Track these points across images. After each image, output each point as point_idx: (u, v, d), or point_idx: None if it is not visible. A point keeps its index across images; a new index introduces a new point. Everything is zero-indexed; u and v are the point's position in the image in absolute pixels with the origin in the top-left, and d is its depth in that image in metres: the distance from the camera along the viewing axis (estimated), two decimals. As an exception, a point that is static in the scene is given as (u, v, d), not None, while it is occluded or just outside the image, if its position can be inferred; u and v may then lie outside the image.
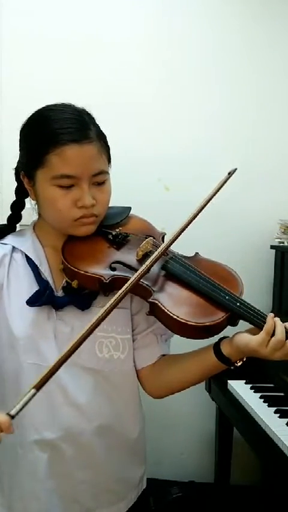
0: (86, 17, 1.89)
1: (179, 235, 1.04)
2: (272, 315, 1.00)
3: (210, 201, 1.07)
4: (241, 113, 2.00)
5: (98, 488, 1.13)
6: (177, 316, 1.00)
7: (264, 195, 2.01)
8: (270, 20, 2.00)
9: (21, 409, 0.79)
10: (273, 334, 0.98)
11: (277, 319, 1.00)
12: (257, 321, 1.01)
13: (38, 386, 0.81)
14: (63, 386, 1.07)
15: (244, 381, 1.69)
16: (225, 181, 1.10)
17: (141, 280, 1.02)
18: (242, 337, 1.02)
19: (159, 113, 1.95)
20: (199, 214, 1.06)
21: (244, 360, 1.06)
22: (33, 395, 0.80)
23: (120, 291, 0.92)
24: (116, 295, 0.92)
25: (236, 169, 1.12)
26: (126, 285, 0.94)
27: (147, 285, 1.04)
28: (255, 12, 1.98)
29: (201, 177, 1.96)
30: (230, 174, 1.13)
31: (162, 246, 1.03)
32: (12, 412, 0.79)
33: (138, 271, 0.97)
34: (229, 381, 1.70)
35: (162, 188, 1.97)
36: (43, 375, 0.83)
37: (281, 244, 1.93)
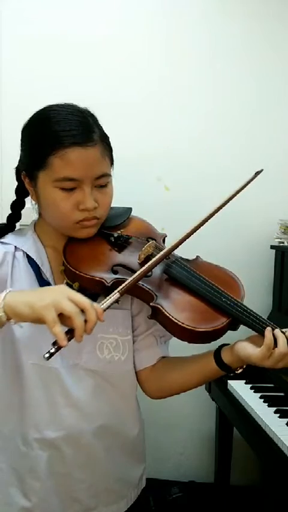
0: (86, 14, 1.88)
1: (194, 232, 1.05)
2: (269, 329, 0.99)
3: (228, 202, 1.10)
4: (241, 113, 2.00)
5: (97, 488, 1.13)
6: (179, 321, 0.99)
7: (264, 195, 2.01)
8: (269, 16, 1.99)
9: (107, 308, 0.91)
10: (275, 346, 0.97)
11: (277, 331, 0.99)
12: (257, 327, 1.00)
13: (122, 292, 0.94)
14: (64, 387, 1.08)
15: (244, 381, 1.70)
16: (249, 181, 1.11)
17: (143, 284, 1.03)
18: (243, 347, 1.01)
19: (159, 113, 1.95)
20: (215, 214, 1.08)
21: (244, 367, 1.05)
22: (118, 298, 0.93)
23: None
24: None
25: (262, 170, 1.13)
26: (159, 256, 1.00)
27: (149, 289, 1.03)
28: (254, 10, 1.98)
29: (201, 177, 1.97)
30: (257, 174, 1.13)
31: (167, 248, 1.03)
32: (102, 307, 0.90)
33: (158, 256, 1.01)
34: (229, 381, 1.70)
35: (162, 188, 1.97)
36: (127, 282, 0.96)
37: (281, 244, 1.93)
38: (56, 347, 0.85)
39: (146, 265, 1.00)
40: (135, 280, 0.97)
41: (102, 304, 0.90)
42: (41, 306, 0.84)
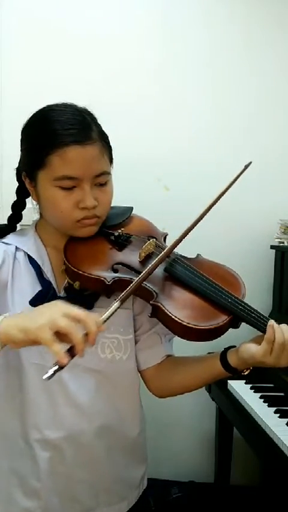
0: (86, 15, 1.89)
1: (192, 229, 1.04)
2: (270, 324, 0.99)
3: (222, 197, 1.07)
4: (241, 113, 2.01)
5: (98, 488, 1.13)
6: (180, 319, 0.99)
7: (264, 195, 2.01)
8: (269, 16, 2.00)
9: (107, 318, 0.87)
10: (274, 339, 0.97)
11: (275, 326, 0.98)
12: (259, 324, 1.00)
13: (122, 299, 0.91)
14: (65, 386, 1.07)
15: (244, 381, 1.70)
16: (239, 175, 1.10)
17: (143, 282, 1.02)
18: (247, 349, 1.01)
19: (159, 113, 1.95)
20: (211, 209, 1.06)
21: (251, 368, 1.06)
22: (118, 307, 0.89)
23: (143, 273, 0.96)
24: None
25: (251, 162, 1.12)
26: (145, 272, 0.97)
27: (150, 287, 1.03)
28: (254, 9, 1.99)
29: (201, 177, 1.97)
30: (246, 167, 1.12)
31: (166, 250, 1.03)
32: (102, 318, 0.87)
33: (157, 258, 0.99)
34: (229, 381, 1.71)
35: (162, 188, 1.97)
36: (127, 290, 0.92)
37: (281, 244, 1.93)
38: (56, 367, 0.80)
39: (145, 271, 0.98)
40: (135, 287, 0.95)
41: (103, 314, 0.87)
42: (35, 328, 0.80)
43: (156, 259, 1.01)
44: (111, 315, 0.88)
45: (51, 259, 1.12)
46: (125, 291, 0.93)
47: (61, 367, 0.80)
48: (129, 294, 0.93)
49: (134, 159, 1.82)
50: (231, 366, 1.05)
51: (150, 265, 0.99)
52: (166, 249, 1.04)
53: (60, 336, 0.81)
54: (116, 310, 0.89)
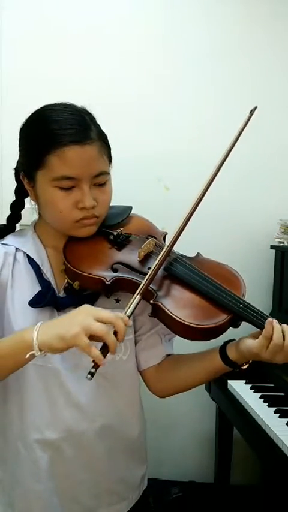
0: (86, 15, 1.88)
1: (194, 210, 1.08)
2: (270, 320, 0.99)
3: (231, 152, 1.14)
4: (241, 112, 2.00)
5: (98, 489, 1.13)
6: (180, 318, 0.99)
7: (264, 195, 2.01)
8: (269, 16, 1.99)
9: (132, 312, 0.94)
10: (271, 338, 0.98)
11: (275, 325, 0.99)
12: (259, 323, 1.00)
13: (142, 292, 0.97)
14: (64, 387, 1.07)
15: (244, 381, 1.69)
16: (247, 122, 1.12)
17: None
18: (245, 342, 1.02)
19: (159, 113, 1.95)
20: (217, 174, 1.13)
21: (250, 362, 1.06)
22: (139, 301, 0.96)
23: (135, 296, 0.97)
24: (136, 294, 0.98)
25: (256, 107, 1.14)
26: (141, 285, 0.99)
27: (150, 286, 1.02)
28: (254, 8, 1.98)
29: (201, 176, 1.96)
30: (252, 112, 1.14)
31: (169, 243, 1.03)
32: (127, 313, 0.93)
33: (151, 271, 1.01)
34: (229, 381, 1.70)
35: (162, 188, 1.97)
36: (144, 281, 0.98)
37: (281, 244, 1.93)
38: (96, 367, 0.87)
39: (158, 259, 1.01)
40: (151, 278, 0.99)
41: (127, 310, 0.93)
42: (71, 336, 0.86)
43: (167, 245, 1.03)
44: (134, 308, 0.94)
45: (50, 259, 1.12)
46: (142, 283, 0.98)
47: (98, 367, 0.87)
48: (147, 286, 0.98)
49: (134, 159, 1.82)
50: (231, 359, 1.05)
51: (161, 254, 1.02)
52: (172, 238, 1.05)
53: (92, 336, 0.87)
54: (138, 303, 0.95)
